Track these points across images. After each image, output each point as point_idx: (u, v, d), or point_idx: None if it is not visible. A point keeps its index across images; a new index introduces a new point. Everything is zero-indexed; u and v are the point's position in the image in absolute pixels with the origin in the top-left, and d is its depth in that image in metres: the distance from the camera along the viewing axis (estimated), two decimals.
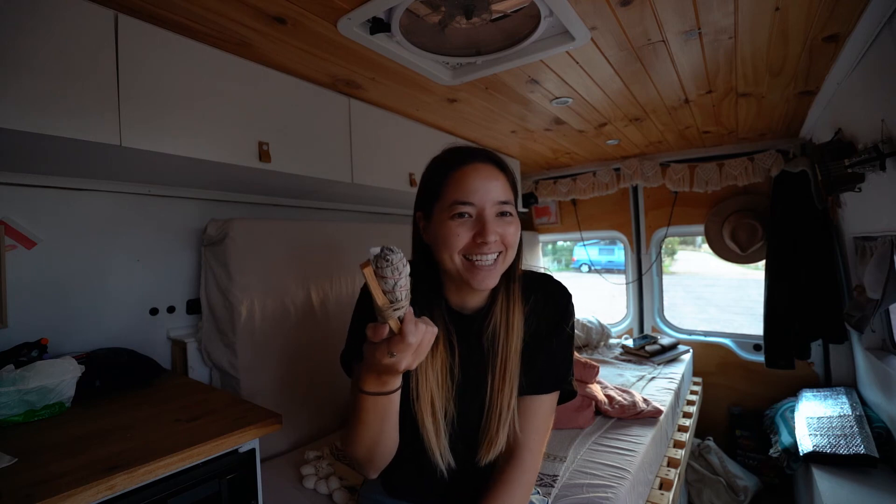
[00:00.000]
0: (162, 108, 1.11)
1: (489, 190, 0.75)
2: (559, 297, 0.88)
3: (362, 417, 0.70)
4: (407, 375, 0.75)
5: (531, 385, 0.83)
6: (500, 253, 0.76)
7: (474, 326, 0.83)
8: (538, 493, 1.11)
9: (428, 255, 0.81)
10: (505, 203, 0.77)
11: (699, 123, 2.15)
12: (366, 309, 0.84)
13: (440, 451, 0.78)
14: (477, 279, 0.74)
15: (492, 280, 0.75)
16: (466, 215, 0.74)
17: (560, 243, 4.84)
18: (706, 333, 2.91)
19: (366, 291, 0.86)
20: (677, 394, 2.14)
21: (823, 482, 1.63)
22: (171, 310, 1.51)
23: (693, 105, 1.88)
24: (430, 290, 0.82)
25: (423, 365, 0.76)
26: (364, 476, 0.84)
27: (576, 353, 1.95)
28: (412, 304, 0.62)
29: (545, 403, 0.85)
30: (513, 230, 0.77)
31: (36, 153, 1.06)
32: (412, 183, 1.90)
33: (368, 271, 0.58)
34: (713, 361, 2.80)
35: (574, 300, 0.90)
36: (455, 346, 0.80)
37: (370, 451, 0.75)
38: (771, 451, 2.08)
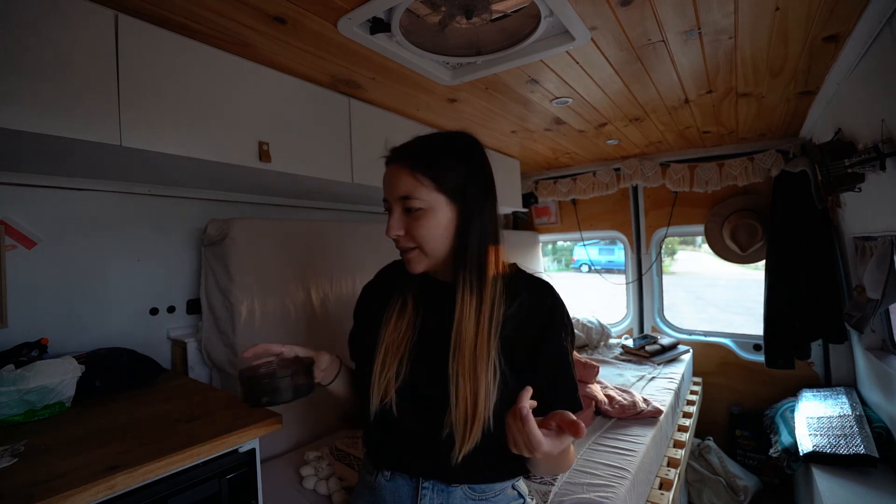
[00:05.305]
0: (162, 108, 1.10)
1: (392, 187, 0.81)
2: (545, 297, 0.81)
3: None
4: (375, 329, 0.85)
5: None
6: (415, 247, 0.80)
7: (447, 293, 0.80)
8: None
9: None
10: (406, 199, 0.78)
11: (699, 123, 2.15)
12: (361, 303, 0.98)
13: (377, 387, 0.80)
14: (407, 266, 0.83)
15: (415, 265, 0.82)
16: (387, 210, 0.83)
17: (560, 243, 4.84)
18: (706, 333, 2.91)
19: (368, 289, 0.99)
20: (677, 394, 2.14)
21: (823, 482, 1.63)
22: (171, 310, 1.51)
23: (693, 105, 1.88)
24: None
25: (388, 325, 0.84)
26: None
27: (576, 353, 1.96)
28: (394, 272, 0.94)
29: None
30: (422, 223, 0.77)
31: (36, 153, 1.06)
32: None
33: None
34: (713, 361, 2.80)
35: (564, 302, 0.82)
36: (422, 308, 0.85)
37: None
38: (771, 451, 2.08)
